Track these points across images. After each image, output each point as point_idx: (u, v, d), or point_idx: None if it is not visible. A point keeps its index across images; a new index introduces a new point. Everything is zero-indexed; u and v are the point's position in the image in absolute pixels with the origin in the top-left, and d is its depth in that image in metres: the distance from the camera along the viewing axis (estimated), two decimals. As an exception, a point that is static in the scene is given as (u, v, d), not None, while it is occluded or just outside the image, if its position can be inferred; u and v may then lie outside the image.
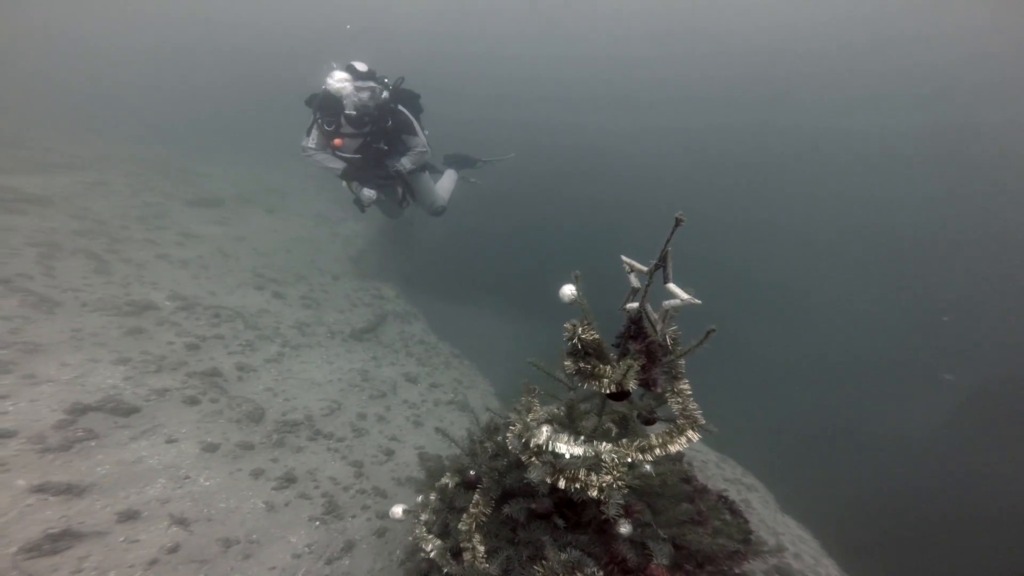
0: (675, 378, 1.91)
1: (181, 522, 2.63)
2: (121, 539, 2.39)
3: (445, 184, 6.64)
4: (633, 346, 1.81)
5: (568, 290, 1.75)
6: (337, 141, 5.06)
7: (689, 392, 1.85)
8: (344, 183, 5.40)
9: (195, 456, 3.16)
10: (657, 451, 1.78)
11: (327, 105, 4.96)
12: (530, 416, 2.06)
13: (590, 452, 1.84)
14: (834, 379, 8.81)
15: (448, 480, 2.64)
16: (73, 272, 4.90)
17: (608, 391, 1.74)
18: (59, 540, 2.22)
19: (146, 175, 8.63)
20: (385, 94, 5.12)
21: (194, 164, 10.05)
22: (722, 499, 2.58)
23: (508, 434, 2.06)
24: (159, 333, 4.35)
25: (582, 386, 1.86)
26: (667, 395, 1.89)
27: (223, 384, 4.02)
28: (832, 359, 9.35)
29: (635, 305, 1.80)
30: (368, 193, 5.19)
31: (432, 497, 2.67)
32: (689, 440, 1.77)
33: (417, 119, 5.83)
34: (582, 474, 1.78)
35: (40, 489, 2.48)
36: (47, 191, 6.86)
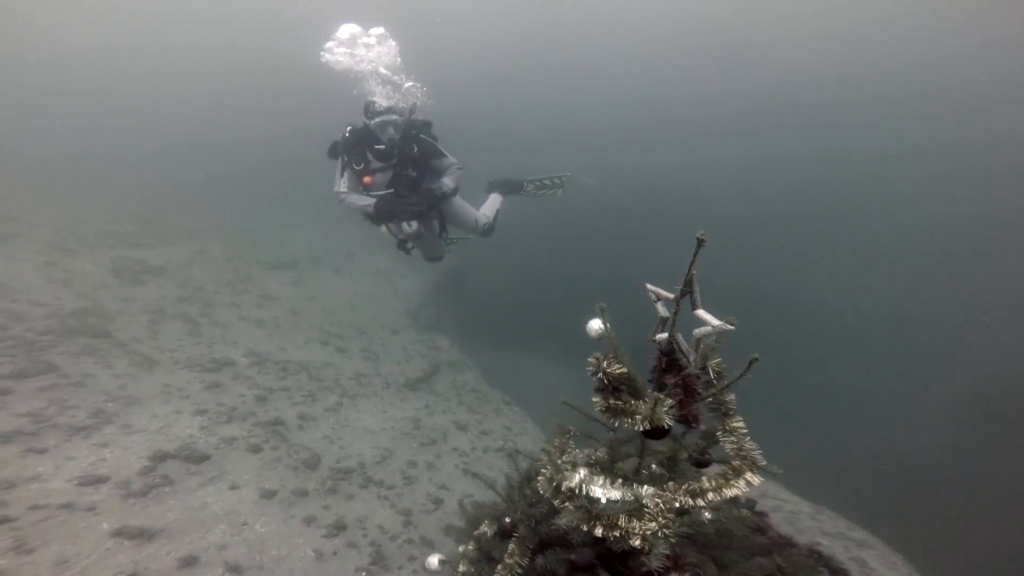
0: (726, 415, 1.70)
1: (235, 569, 2.74)
2: (179, 583, 2.53)
3: (488, 204, 6.03)
4: (668, 380, 1.71)
5: (595, 325, 1.67)
6: (367, 179, 4.85)
7: (744, 430, 1.65)
8: (382, 229, 5.09)
9: (254, 502, 3.32)
10: (710, 495, 1.57)
11: (353, 145, 4.82)
12: (564, 458, 1.97)
13: (629, 496, 1.66)
14: (957, 417, 7.71)
15: (487, 528, 2.56)
16: (172, 334, 5.49)
17: (642, 428, 1.63)
18: (126, 582, 2.39)
19: (239, 242, 9.65)
20: (398, 119, 4.77)
21: (277, 228, 11.09)
22: (814, 554, 2.28)
23: (540, 478, 1.98)
24: (234, 386, 4.71)
25: (619, 426, 1.76)
26: (719, 434, 1.70)
27: (285, 432, 4.24)
28: (949, 394, 8.23)
29: (665, 336, 1.71)
30: (410, 226, 4.86)
31: (469, 547, 2.59)
32: (748, 483, 1.55)
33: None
34: (622, 521, 1.61)
35: (118, 533, 2.70)
36: (164, 262, 7.82)
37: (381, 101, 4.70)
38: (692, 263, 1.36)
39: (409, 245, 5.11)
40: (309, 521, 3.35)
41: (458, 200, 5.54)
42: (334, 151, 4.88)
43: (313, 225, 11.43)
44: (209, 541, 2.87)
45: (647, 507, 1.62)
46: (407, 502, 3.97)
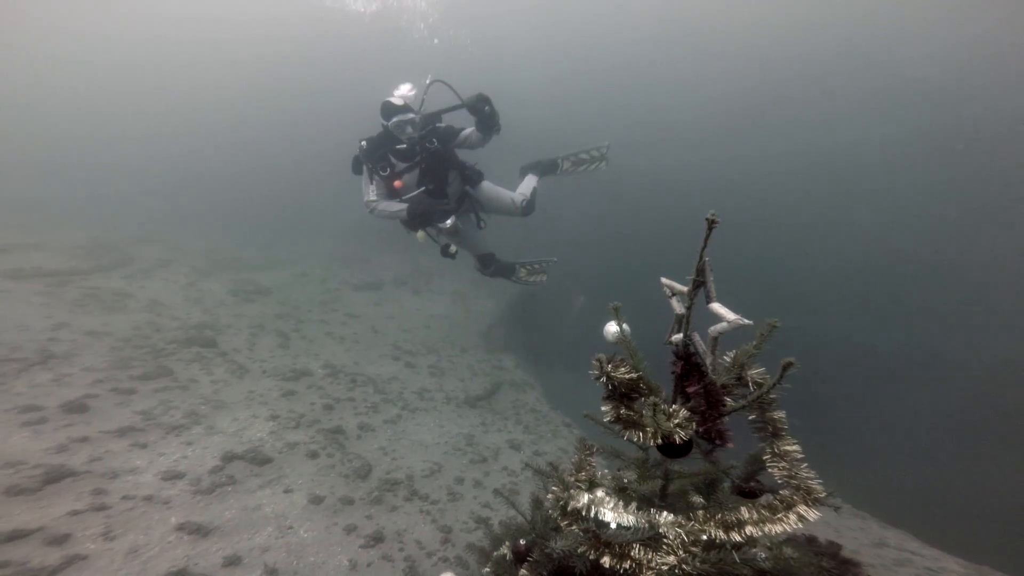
0: (775, 435, 1.42)
1: (272, 572, 2.80)
2: (219, 581, 2.63)
3: (524, 184, 5.56)
4: (688, 388, 1.40)
5: (612, 328, 1.46)
6: (397, 183, 4.60)
7: (799, 455, 1.36)
8: (419, 235, 4.79)
9: (302, 507, 3.42)
10: (749, 530, 1.30)
11: (373, 152, 4.60)
12: (579, 475, 1.69)
13: (644, 523, 1.40)
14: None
15: (506, 551, 2.37)
16: (266, 346, 6.01)
17: (654, 443, 1.33)
18: (173, 576, 2.54)
19: (334, 266, 10.47)
20: (414, 116, 4.56)
21: (369, 253, 11.89)
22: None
23: (549, 496, 1.75)
24: (307, 395, 4.99)
25: (638, 441, 1.49)
26: (767, 458, 1.41)
27: (343, 441, 4.37)
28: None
29: (680, 337, 1.42)
30: (449, 222, 4.57)
31: (486, 570, 2.40)
32: (801, 518, 1.27)
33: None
34: (636, 551, 1.36)
35: (181, 527, 2.90)
36: (271, 283, 8.72)
37: (396, 100, 4.48)
38: (703, 249, 1.14)
39: (452, 250, 4.79)
40: (350, 530, 3.37)
41: (489, 185, 5.17)
42: (357, 166, 4.68)
43: (399, 250, 12.07)
44: (255, 542, 2.98)
45: (666, 537, 1.34)
46: (449, 519, 3.86)
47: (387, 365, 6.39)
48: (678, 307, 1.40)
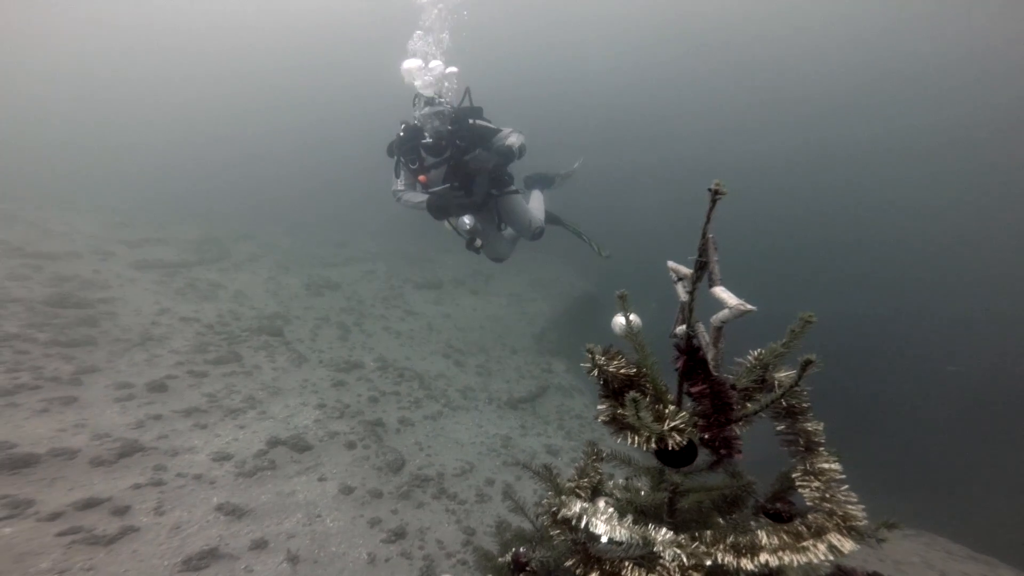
0: (809, 450, 1.21)
1: (293, 560, 2.86)
2: (243, 567, 2.71)
3: (535, 205, 5.54)
4: (693, 388, 1.20)
5: (622, 320, 1.31)
6: (422, 177, 4.57)
7: (838, 474, 1.13)
8: (446, 225, 4.78)
9: (332, 497, 3.47)
10: (765, 558, 1.08)
11: (406, 143, 4.55)
12: (581, 481, 1.50)
13: (637, 538, 1.21)
14: None
15: (510, 558, 2.20)
16: (326, 338, 6.31)
17: (647, 448, 1.15)
18: (204, 558, 2.65)
19: (399, 264, 10.83)
20: (446, 106, 4.45)
21: (434, 253, 12.17)
22: None
23: (543, 502, 1.58)
24: (356, 386, 5.13)
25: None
26: (797, 476, 1.20)
27: (382, 433, 4.42)
28: None
29: (683, 328, 1.21)
30: (465, 220, 4.51)
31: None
32: (834, 549, 1.05)
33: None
34: (626, 570, 1.21)
35: (220, 508, 3.05)
36: (341, 279, 9.19)
37: (425, 92, 4.37)
38: (707, 224, 0.97)
39: (478, 244, 4.75)
40: (374, 523, 3.36)
41: (519, 199, 5.11)
42: (391, 150, 4.66)
43: (460, 251, 12.22)
44: (283, 528, 3.06)
45: (662, 558, 1.17)
46: (474, 520, 3.74)
47: (437, 362, 6.44)
48: (683, 294, 1.18)
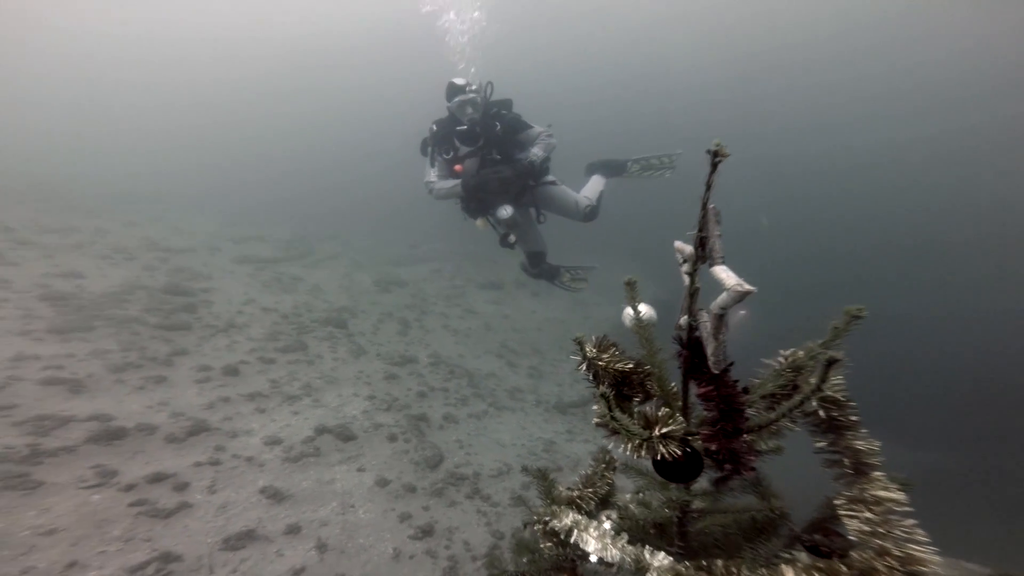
0: (858, 472, 1.02)
1: (321, 548, 2.86)
2: (275, 550, 2.76)
3: (590, 186, 5.16)
4: (698, 390, 1.02)
5: (631, 310, 1.23)
6: (458, 167, 4.50)
7: (899, 502, 0.94)
8: (478, 223, 4.65)
9: (367, 488, 3.47)
10: None
11: (439, 134, 4.52)
12: (586, 490, 1.36)
13: (629, 561, 1.07)
14: None
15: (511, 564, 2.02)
16: (387, 332, 6.48)
17: (637, 456, 1.00)
18: (242, 539, 2.74)
19: (464, 263, 10.93)
20: (475, 96, 4.37)
21: (497, 253, 12.16)
22: None
23: (535, 516, 1.42)
24: (407, 380, 5.17)
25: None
26: (841, 503, 1.01)
27: (425, 429, 4.38)
28: None
29: (687, 319, 1.04)
30: (504, 211, 4.36)
31: None
32: None
33: None
34: None
35: (263, 491, 3.16)
36: (409, 277, 9.48)
37: (458, 80, 4.35)
38: (707, 191, 0.82)
39: (512, 239, 4.61)
40: (404, 518, 3.30)
41: (560, 187, 4.85)
42: (424, 147, 4.65)
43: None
44: (317, 515, 3.10)
45: None
46: (504, 524, 3.54)
47: (489, 361, 6.33)
48: (685, 277, 1.01)
